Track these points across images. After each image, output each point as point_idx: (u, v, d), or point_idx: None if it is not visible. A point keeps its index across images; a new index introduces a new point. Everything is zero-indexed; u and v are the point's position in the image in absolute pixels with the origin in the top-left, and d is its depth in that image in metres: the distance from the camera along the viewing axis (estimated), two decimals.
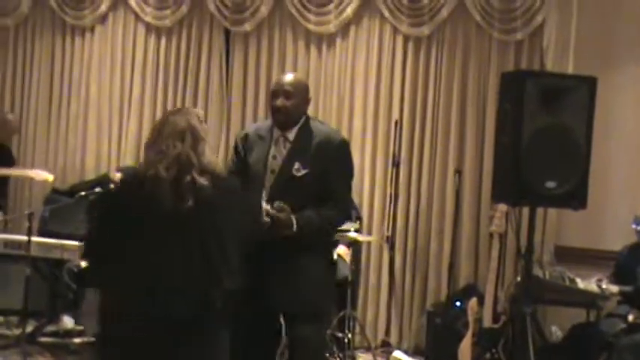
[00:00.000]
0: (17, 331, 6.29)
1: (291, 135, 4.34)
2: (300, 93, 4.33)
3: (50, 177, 6.68)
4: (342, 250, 6.53)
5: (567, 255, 6.83)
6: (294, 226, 4.13)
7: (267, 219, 4.08)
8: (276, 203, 4.14)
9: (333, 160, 4.28)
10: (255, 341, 4.26)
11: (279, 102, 4.31)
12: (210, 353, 3.27)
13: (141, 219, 3.22)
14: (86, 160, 7.92)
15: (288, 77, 4.45)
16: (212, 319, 3.23)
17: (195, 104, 7.72)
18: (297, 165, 4.24)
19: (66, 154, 7.99)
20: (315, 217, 4.20)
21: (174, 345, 3.18)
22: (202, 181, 3.20)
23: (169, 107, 7.76)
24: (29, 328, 6.43)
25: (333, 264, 4.55)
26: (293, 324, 4.30)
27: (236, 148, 4.49)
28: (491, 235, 6.78)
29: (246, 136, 4.47)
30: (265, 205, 4.11)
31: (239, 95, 7.67)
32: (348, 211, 4.45)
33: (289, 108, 4.30)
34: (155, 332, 3.16)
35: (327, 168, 4.25)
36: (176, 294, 3.16)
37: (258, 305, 4.19)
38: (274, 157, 4.33)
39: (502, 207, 6.16)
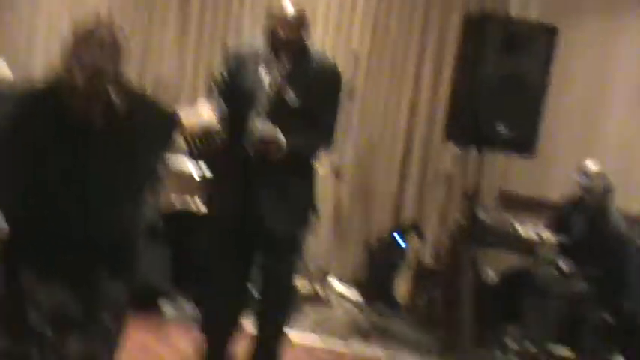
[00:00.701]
0: None
1: (288, 60, 4.18)
2: (305, 23, 4.23)
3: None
4: None
5: (511, 201, 6.91)
6: (283, 149, 4.08)
7: (259, 138, 4.05)
8: (267, 125, 4.07)
9: (326, 91, 4.25)
10: (230, 260, 4.30)
11: (283, 34, 4.18)
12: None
13: (49, 130, 2.98)
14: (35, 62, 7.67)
15: (291, 9, 4.23)
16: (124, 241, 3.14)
17: (150, 17, 7.52)
18: (291, 94, 4.15)
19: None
20: (303, 143, 4.17)
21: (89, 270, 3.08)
22: (115, 97, 2.95)
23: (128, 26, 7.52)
24: None
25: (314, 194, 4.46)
26: (270, 253, 4.29)
27: (226, 65, 4.37)
28: (438, 176, 6.85)
29: (237, 55, 4.37)
30: (259, 126, 4.06)
31: (198, 16, 7.47)
32: (332, 142, 4.35)
33: (294, 40, 4.18)
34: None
35: (319, 99, 4.20)
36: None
37: (245, 225, 4.20)
38: (270, 83, 4.19)
39: (452, 148, 6.18)
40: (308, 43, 4.29)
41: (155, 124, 3.16)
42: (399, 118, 7.14)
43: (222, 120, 4.09)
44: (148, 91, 3.29)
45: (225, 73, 4.35)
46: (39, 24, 7.63)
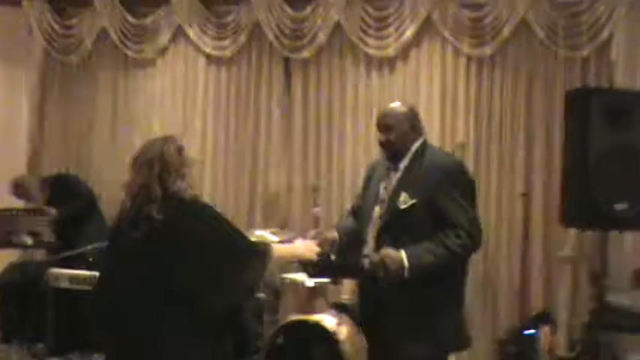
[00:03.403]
0: None
1: (403, 164, 4.20)
2: (400, 123, 4.20)
3: None
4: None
5: None
6: (406, 272, 3.87)
7: (373, 264, 3.94)
8: (383, 251, 3.92)
9: (440, 183, 4.00)
10: None
11: (381, 137, 4.25)
12: None
13: (113, 252, 3.43)
14: None
15: (386, 109, 4.33)
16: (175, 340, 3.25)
17: (257, 133, 7.71)
18: (403, 196, 4.05)
19: None
20: (428, 252, 3.87)
21: None
22: (155, 213, 3.24)
23: (232, 138, 7.77)
24: None
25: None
26: None
27: (363, 181, 4.49)
28: (563, 261, 6.57)
29: (371, 168, 4.46)
30: (369, 252, 4.03)
31: (300, 123, 7.61)
32: (474, 233, 3.93)
33: (392, 141, 4.21)
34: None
35: (435, 194, 3.98)
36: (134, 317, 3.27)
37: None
38: (385, 189, 4.22)
39: (573, 231, 5.92)
40: (418, 142, 4.22)
41: (202, 225, 3.29)
42: (514, 206, 6.93)
43: (341, 238, 4.16)
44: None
45: (362, 188, 4.44)
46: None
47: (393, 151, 4.22)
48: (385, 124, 4.23)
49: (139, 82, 8.11)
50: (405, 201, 4.02)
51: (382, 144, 4.26)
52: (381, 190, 4.22)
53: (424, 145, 4.24)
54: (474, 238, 3.95)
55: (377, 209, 4.19)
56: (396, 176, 4.16)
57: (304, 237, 4.33)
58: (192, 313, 3.22)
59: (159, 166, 3.28)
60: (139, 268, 3.26)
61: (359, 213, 4.40)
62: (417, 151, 4.18)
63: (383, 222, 4.10)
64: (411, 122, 4.23)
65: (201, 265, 3.24)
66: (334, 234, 4.27)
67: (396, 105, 4.32)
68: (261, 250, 3.46)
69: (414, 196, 4.00)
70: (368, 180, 4.40)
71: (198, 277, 3.23)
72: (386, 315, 4.03)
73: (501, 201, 7.01)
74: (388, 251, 3.90)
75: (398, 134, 4.19)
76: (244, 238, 3.44)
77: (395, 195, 4.08)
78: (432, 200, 3.96)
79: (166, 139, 3.44)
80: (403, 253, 3.87)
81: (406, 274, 3.85)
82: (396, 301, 3.97)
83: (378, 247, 4.04)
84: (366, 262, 4.13)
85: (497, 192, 7.02)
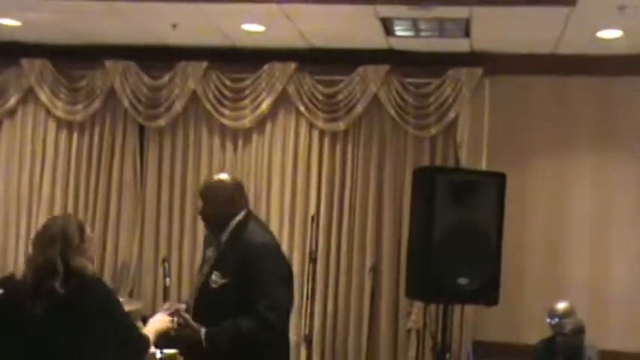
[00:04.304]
0: None
1: (223, 238, 4.09)
2: (214, 197, 4.09)
3: None
4: None
5: (486, 350, 6.76)
6: (203, 342, 3.89)
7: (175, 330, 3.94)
8: (180, 318, 3.93)
9: (249, 265, 3.91)
10: None
11: (199, 206, 4.21)
12: None
13: (5, 325, 3.44)
14: None
15: (206, 180, 4.34)
16: None
17: (107, 201, 7.58)
18: (214, 275, 3.98)
19: None
20: (230, 329, 3.87)
21: None
22: (58, 287, 3.36)
23: (82, 205, 7.59)
24: None
25: None
26: None
27: (202, 251, 4.39)
28: (409, 332, 6.71)
29: (207, 238, 4.34)
30: (172, 318, 3.96)
31: (153, 191, 7.52)
32: (271, 320, 3.86)
33: (205, 213, 4.14)
34: None
35: (243, 276, 3.91)
36: None
37: None
38: (205, 263, 4.16)
39: (418, 303, 6.08)
40: (239, 216, 4.09)
41: (98, 301, 3.44)
42: (364, 279, 7.05)
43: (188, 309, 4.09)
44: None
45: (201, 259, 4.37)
46: None
47: (208, 222, 4.16)
48: (201, 194, 4.18)
49: None
50: (216, 280, 3.97)
51: (199, 214, 4.23)
52: (203, 265, 4.19)
53: (245, 219, 4.10)
54: (269, 326, 3.89)
55: (196, 284, 4.17)
56: (215, 252, 4.11)
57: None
58: None
59: (61, 242, 3.46)
60: (39, 341, 3.37)
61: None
62: (237, 226, 4.07)
63: (194, 298, 4.08)
64: (230, 195, 4.09)
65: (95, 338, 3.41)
66: (182, 305, 4.21)
67: (217, 176, 4.26)
68: (144, 338, 3.72)
69: (225, 276, 3.96)
70: (204, 251, 4.33)
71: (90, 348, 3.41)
72: None
73: (351, 274, 7.12)
74: (191, 325, 3.95)
75: (212, 206, 4.10)
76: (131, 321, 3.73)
77: (209, 273, 4.03)
78: (240, 282, 3.92)
79: (69, 217, 3.76)
80: (203, 331, 3.93)
81: (204, 345, 3.91)
82: None
83: (195, 319, 3.99)
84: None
85: (347, 265, 7.13)
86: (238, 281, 3.91)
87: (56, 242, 3.47)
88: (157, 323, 3.96)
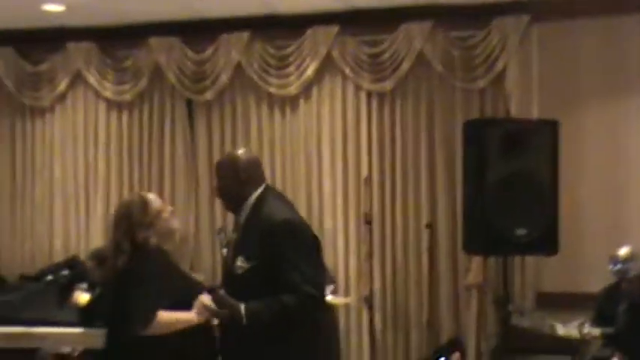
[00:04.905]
0: None
1: (242, 217, 3.91)
2: (225, 172, 3.91)
3: None
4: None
5: (549, 301, 6.68)
6: (244, 317, 3.69)
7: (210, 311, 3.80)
8: (220, 294, 3.78)
9: (273, 245, 3.71)
10: None
11: (214, 184, 4.08)
12: None
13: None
14: (54, 243, 7.77)
15: (223, 156, 4.19)
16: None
17: (161, 177, 7.66)
18: (239, 260, 3.80)
19: (33, 239, 7.85)
20: (271, 304, 3.68)
21: None
22: (120, 264, 3.86)
23: (136, 182, 7.69)
24: None
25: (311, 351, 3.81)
26: None
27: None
28: (469, 288, 6.68)
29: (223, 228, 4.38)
30: (208, 299, 3.82)
31: (205, 165, 7.58)
32: (312, 293, 3.68)
33: (219, 189, 3.99)
34: None
35: (269, 257, 3.71)
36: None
37: None
38: (227, 247, 4.03)
39: (477, 258, 6.05)
40: (256, 192, 3.88)
41: (151, 266, 3.85)
42: (420, 238, 7.02)
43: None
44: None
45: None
46: (55, 208, 7.82)
47: (224, 200, 3.99)
48: (215, 170, 4.03)
49: (37, 131, 7.94)
50: (241, 266, 3.78)
51: (215, 192, 4.10)
52: (225, 250, 4.08)
53: (263, 195, 3.89)
54: (311, 297, 3.71)
55: (223, 268, 4.09)
56: (235, 235, 3.94)
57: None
58: None
59: (125, 222, 3.88)
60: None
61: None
62: (255, 203, 3.86)
63: (224, 285, 3.91)
64: (244, 170, 3.88)
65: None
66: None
67: (232, 151, 4.14)
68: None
69: (249, 260, 3.77)
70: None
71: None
72: None
73: (408, 233, 7.10)
74: (228, 301, 3.75)
75: (225, 183, 3.91)
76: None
77: (234, 257, 3.85)
78: (265, 264, 3.72)
79: (132, 196, 4.27)
80: (242, 306, 3.71)
81: (244, 319, 3.70)
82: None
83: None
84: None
85: (402, 225, 7.11)
86: (263, 263, 3.73)
87: (120, 224, 3.90)
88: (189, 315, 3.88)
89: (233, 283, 3.82)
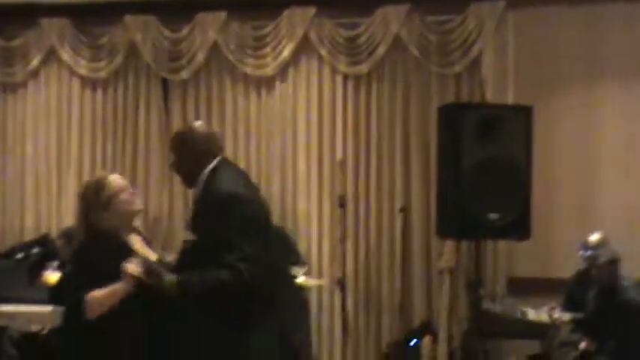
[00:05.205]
0: None
1: (196, 191, 3.90)
2: (181, 147, 3.87)
3: None
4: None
5: (520, 285, 6.73)
6: (174, 289, 3.66)
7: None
8: (148, 263, 3.74)
9: (216, 219, 3.68)
10: None
11: (169, 159, 4.05)
12: None
13: None
14: (25, 221, 7.70)
15: (176, 130, 4.10)
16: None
17: (135, 156, 7.62)
18: (190, 235, 3.85)
19: (4, 216, 7.78)
20: (202, 277, 3.65)
21: None
22: (75, 243, 4.03)
23: (109, 161, 7.64)
24: None
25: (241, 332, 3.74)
26: None
27: None
28: (441, 272, 6.72)
29: None
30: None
31: None
32: (241, 269, 3.60)
33: (174, 165, 3.96)
34: None
35: (215, 231, 3.68)
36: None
37: None
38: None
39: (450, 242, 6.08)
40: (209, 166, 3.83)
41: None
42: (394, 221, 7.04)
43: None
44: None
45: None
46: (27, 186, 7.75)
47: (180, 175, 3.96)
48: (169, 145, 3.99)
49: (9, 107, 7.85)
50: (188, 238, 3.87)
51: (170, 167, 4.07)
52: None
53: (216, 168, 3.84)
54: (239, 275, 3.63)
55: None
56: (189, 210, 4.01)
57: None
58: None
59: (82, 205, 3.94)
60: None
61: None
62: (207, 177, 3.82)
63: (178, 259, 3.90)
64: (199, 143, 3.84)
65: None
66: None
67: (185, 126, 4.12)
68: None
69: (195, 234, 3.80)
70: None
71: None
72: None
73: (381, 217, 7.11)
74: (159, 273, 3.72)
75: (180, 157, 3.88)
76: None
77: (187, 229, 3.96)
78: (209, 238, 3.71)
79: (88, 181, 4.19)
80: (174, 275, 3.71)
81: (175, 289, 3.67)
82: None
83: None
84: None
85: (376, 208, 7.12)
86: (207, 237, 3.71)
87: (78, 206, 4.00)
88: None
89: (182, 259, 3.83)
